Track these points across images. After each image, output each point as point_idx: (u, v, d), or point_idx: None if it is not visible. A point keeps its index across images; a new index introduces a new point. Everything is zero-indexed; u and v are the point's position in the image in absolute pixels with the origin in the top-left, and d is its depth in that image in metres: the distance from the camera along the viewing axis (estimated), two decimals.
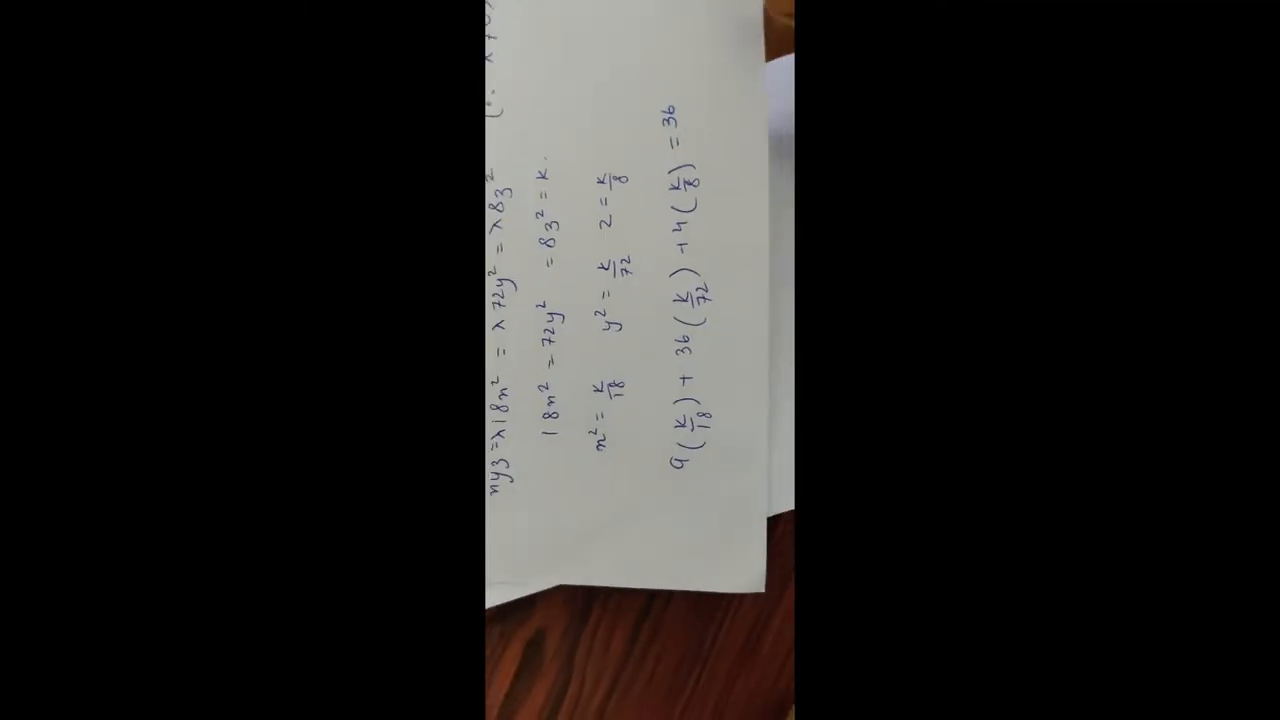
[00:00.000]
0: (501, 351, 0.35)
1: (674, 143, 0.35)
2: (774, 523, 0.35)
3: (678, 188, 0.35)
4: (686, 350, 0.35)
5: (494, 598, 0.35)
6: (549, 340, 0.35)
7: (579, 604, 0.36)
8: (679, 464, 0.35)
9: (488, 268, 0.35)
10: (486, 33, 0.35)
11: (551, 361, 0.35)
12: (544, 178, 0.35)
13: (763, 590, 0.35)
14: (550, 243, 0.35)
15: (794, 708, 0.36)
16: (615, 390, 0.35)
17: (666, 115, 0.35)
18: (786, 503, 0.35)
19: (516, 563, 0.35)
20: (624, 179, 0.35)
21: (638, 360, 0.35)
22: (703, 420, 0.35)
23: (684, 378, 0.35)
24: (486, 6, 0.35)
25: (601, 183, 0.35)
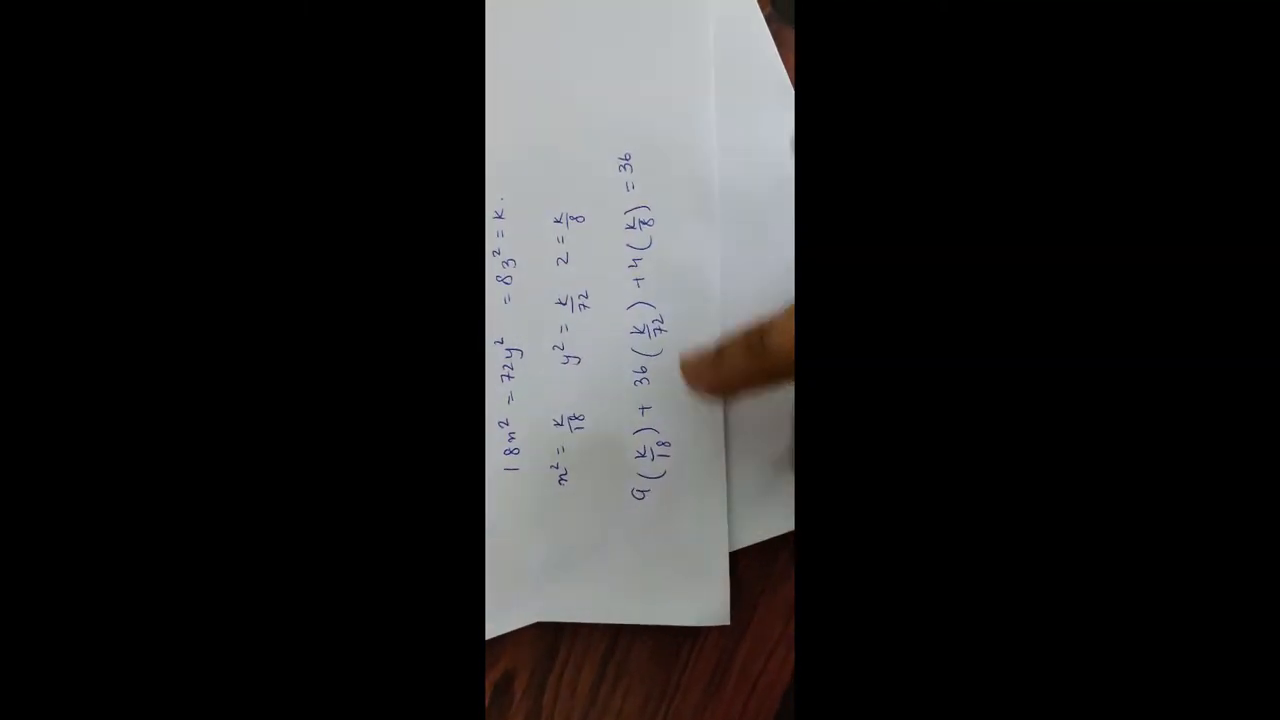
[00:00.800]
0: None
1: (629, 186, 0.36)
2: (736, 557, 0.35)
3: (633, 227, 0.36)
4: (645, 380, 0.35)
5: None
6: (508, 376, 0.35)
7: (546, 644, 0.35)
8: (640, 495, 0.35)
9: None
10: None
11: (511, 397, 0.35)
12: (500, 218, 0.36)
13: (728, 623, 0.34)
14: (507, 280, 0.36)
15: None
16: (575, 423, 0.35)
17: (623, 161, 0.37)
18: (747, 538, 0.35)
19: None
20: (581, 219, 0.36)
21: (597, 392, 0.35)
22: (662, 450, 0.35)
23: (643, 408, 0.35)
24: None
25: (559, 222, 0.36)
